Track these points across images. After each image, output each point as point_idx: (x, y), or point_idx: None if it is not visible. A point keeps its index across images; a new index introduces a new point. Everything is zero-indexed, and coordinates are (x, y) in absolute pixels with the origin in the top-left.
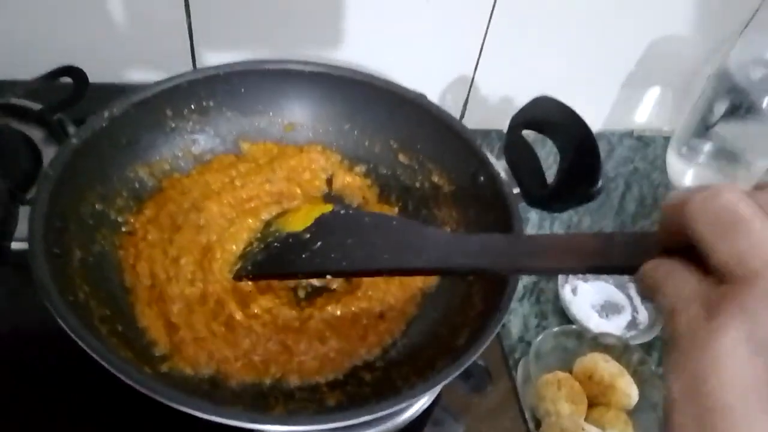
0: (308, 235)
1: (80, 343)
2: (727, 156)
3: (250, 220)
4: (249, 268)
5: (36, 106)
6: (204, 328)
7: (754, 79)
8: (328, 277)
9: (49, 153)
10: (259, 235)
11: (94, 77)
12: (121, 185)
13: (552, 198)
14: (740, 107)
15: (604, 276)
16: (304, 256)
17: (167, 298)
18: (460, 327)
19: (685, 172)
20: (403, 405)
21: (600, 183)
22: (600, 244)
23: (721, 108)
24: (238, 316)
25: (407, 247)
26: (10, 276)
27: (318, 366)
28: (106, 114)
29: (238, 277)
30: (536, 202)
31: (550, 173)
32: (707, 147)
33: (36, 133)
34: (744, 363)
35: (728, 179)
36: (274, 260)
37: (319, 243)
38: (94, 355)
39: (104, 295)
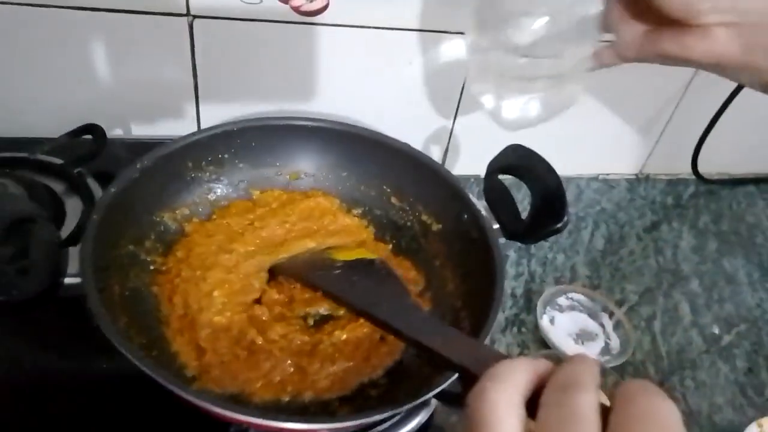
0: (339, 264)
1: (135, 361)
2: None
3: (307, 240)
4: (285, 263)
5: (58, 161)
6: (228, 352)
7: None
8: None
9: (70, 203)
10: (313, 251)
11: (109, 134)
12: (149, 229)
13: (526, 232)
14: None
15: (579, 307)
16: (320, 273)
17: (197, 325)
18: None
19: None
20: (403, 409)
21: (566, 218)
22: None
23: None
24: (259, 341)
25: (376, 300)
26: (63, 306)
27: (329, 384)
28: (138, 166)
29: (273, 267)
30: (513, 235)
31: (525, 212)
32: None
33: (58, 186)
34: None
35: None
36: (305, 268)
37: (338, 271)
38: (148, 372)
39: (140, 324)
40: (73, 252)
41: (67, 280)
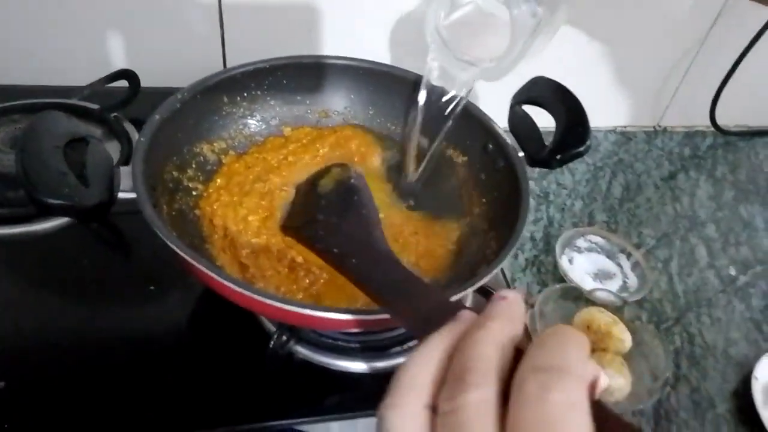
0: (324, 199)
1: (189, 259)
2: None
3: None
4: (287, 221)
5: (95, 107)
6: (270, 268)
7: None
8: None
9: (108, 147)
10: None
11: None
12: (190, 158)
13: (550, 157)
14: None
15: (597, 248)
16: (309, 230)
17: (238, 245)
18: (480, 263)
19: None
20: None
21: (588, 142)
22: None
23: None
24: (299, 259)
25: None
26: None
27: (366, 299)
28: (179, 97)
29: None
30: (537, 162)
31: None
32: None
33: (96, 131)
34: None
35: None
36: (298, 223)
37: (322, 215)
38: (205, 269)
39: (187, 242)
40: (125, 172)
41: (121, 195)
